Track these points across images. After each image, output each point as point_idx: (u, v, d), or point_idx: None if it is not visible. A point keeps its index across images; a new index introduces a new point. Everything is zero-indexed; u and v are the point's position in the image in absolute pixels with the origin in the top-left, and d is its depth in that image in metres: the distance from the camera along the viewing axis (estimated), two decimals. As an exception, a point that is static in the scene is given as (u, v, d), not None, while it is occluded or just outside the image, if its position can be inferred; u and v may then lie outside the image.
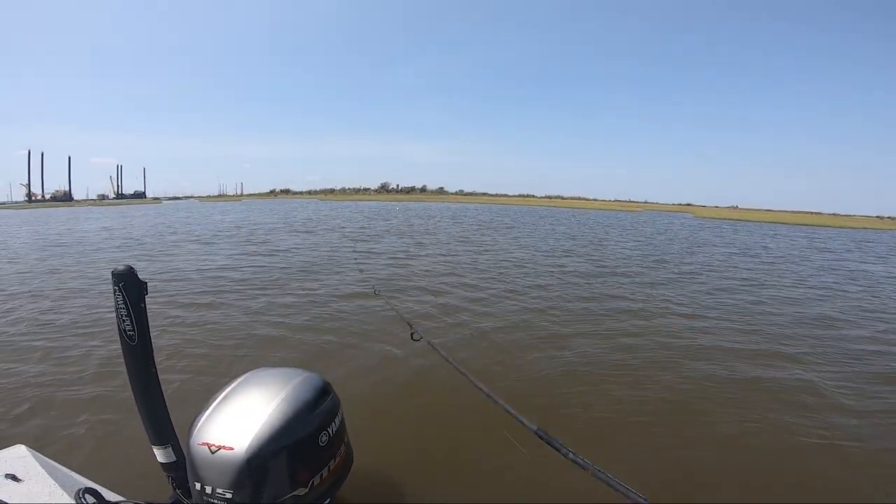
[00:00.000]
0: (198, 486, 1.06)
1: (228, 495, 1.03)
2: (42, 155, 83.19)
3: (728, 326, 4.74)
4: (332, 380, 1.39)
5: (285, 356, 3.58)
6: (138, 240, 11.92)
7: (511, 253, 10.30)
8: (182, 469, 1.17)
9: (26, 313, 4.62)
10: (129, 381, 1.32)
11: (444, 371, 2.99)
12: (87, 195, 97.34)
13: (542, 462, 1.99)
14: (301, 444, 1.13)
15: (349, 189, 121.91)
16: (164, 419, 1.36)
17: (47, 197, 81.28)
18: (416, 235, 13.88)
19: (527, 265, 8.48)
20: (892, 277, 9.15)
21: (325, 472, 1.20)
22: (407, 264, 8.19)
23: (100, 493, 1.06)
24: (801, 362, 3.76)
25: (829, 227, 34.24)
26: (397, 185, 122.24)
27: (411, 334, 2.12)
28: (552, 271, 7.87)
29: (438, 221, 21.41)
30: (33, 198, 78.32)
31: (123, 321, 1.26)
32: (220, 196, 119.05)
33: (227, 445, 1.04)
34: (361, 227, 16.62)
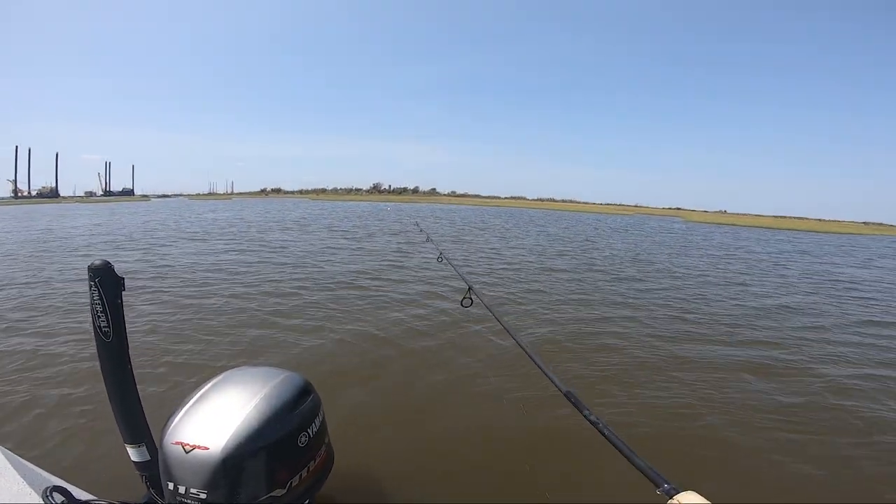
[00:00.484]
0: (171, 485, 1.03)
1: (202, 495, 1.00)
2: (29, 151, 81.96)
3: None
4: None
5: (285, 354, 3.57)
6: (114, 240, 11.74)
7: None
8: (156, 468, 1.15)
9: None
10: (103, 379, 1.29)
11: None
12: (75, 192, 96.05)
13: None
14: (280, 445, 1.10)
15: (341, 189, 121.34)
16: (138, 418, 1.33)
17: (33, 193, 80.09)
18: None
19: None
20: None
21: (304, 473, 1.18)
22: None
23: (69, 492, 1.03)
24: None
25: (814, 231, 34.88)
26: (389, 186, 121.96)
27: (462, 300, 2.12)
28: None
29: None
30: (20, 194, 77.14)
31: (99, 317, 1.22)
32: (210, 194, 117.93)
33: (201, 445, 1.01)
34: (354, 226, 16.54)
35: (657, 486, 0.78)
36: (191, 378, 2.99)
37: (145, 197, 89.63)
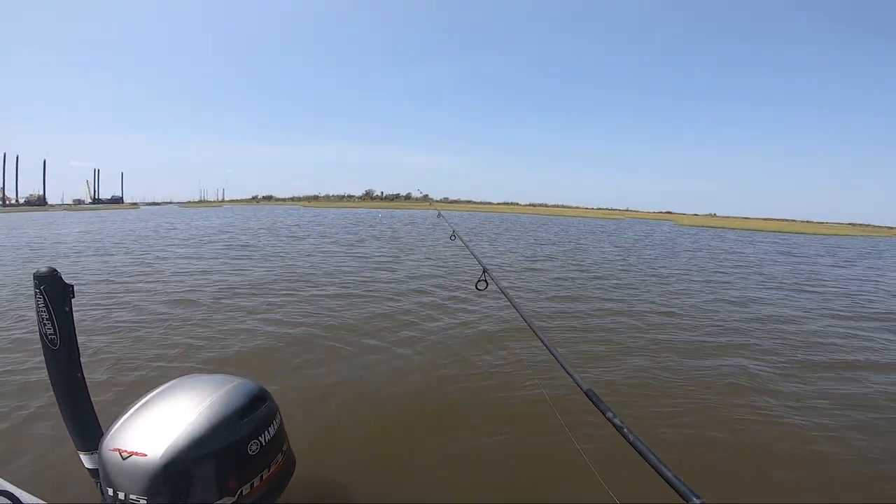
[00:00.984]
0: (111, 491, 1.03)
1: (142, 502, 0.99)
2: (17, 158, 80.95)
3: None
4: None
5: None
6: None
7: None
8: None
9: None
10: (51, 386, 1.28)
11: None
12: (63, 200, 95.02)
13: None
14: (227, 453, 1.09)
15: (333, 196, 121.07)
16: (89, 425, 1.32)
17: (21, 201, 79.18)
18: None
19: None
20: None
21: (256, 482, 1.16)
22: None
23: (15, 496, 1.02)
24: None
25: (802, 233, 35.39)
26: (381, 193, 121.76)
27: (476, 283, 2.05)
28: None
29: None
30: (7, 202, 76.23)
31: (45, 325, 1.22)
32: (200, 202, 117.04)
33: (139, 451, 1.00)
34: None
35: (686, 500, 0.73)
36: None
37: (134, 205, 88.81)
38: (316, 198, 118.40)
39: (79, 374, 1.28)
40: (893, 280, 10.23)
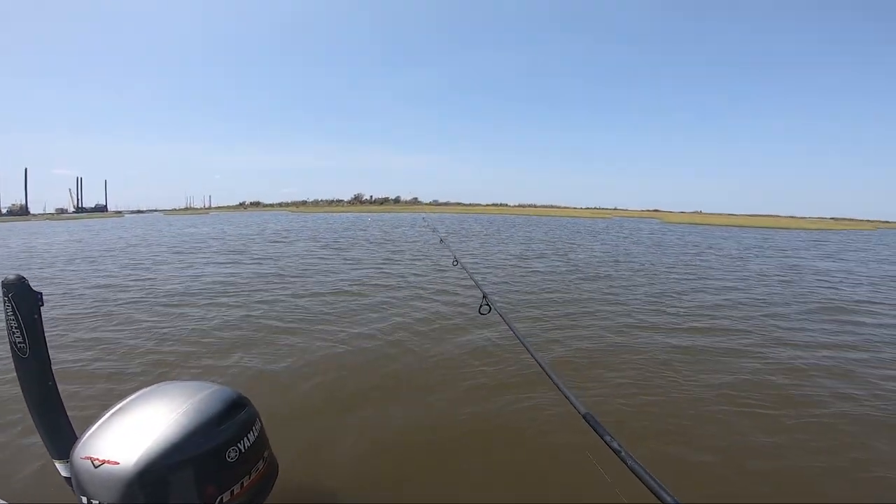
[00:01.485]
0: (84, 499, 1.00)
1: None
2: (-3, 168, 79.43)
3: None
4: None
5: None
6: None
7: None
8: None
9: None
10: (22, 395, 1.25)
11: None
12: (45, 209, 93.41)
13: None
14: (203, 460, 1.06)
15: (322, 201, 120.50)
16: (64, 433, 1.29)
17: (3, 211, 77.71)
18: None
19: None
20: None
21: (236, 489, 1.13)
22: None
23: None
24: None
25: (786, 228, 36.10)
26: (370, 196, 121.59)
27: (479, 307, 2.09)
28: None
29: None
30: (-10, 212, 74.92)
31: (13, 333, 1.19)
32: (187, 209, 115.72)
33: (112, 460, 0.97)
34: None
35: None
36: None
37: (119, 213, 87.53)
38: (305, 203, 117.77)
39: (50, 383, 1.25)
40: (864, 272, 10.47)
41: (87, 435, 1.05)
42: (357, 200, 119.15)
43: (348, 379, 3.31)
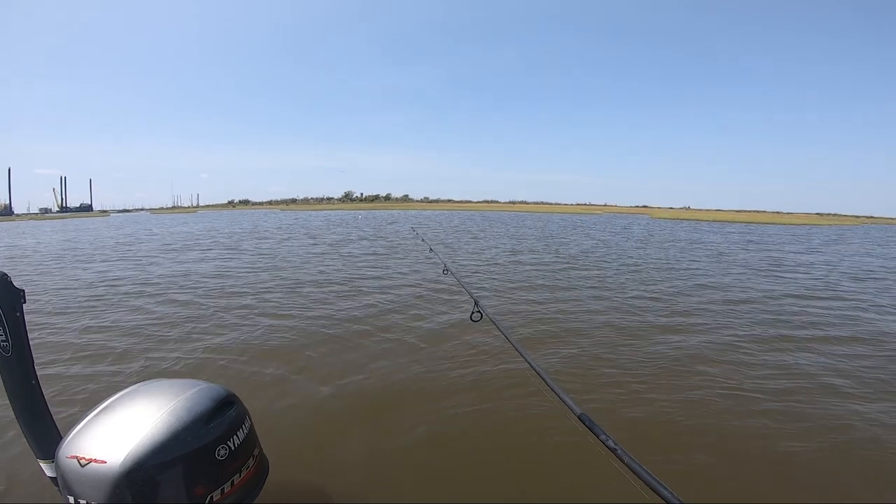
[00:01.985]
0: (71, 499, 0.98)
1: None
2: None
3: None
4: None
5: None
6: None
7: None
8: None
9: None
10: (5, 394, 1.23)
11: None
12: (29, 209, 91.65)
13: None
14: (192, 458, 1.04)
15: (312, 199, 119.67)
16: (48, 433, 1.26)
17: (-12, 211, 76.19)
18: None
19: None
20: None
21: (226, 487, 1.12)
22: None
23: None
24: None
25: (772, 224, 36.70)
26: (361, 194, 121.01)
27: (471, 314, 2.12)
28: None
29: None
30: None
31: (-5, 330, 1.16)
32: (174, 208, 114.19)
33: (98, 459, 0.95)
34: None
35: None
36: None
37: (104, 212, 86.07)
38: (294, 201, 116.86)
39: (34, 382, 1.23)
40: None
41: (72, 434, 1.04)
42: (347, 198, 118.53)
43: (343, 380, 3.29)
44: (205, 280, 7.14)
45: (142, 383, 1.21)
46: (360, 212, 49.44)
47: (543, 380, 1.29)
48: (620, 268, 8.93)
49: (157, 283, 6.86)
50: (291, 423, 2.64)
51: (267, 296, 5.91)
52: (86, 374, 3.27)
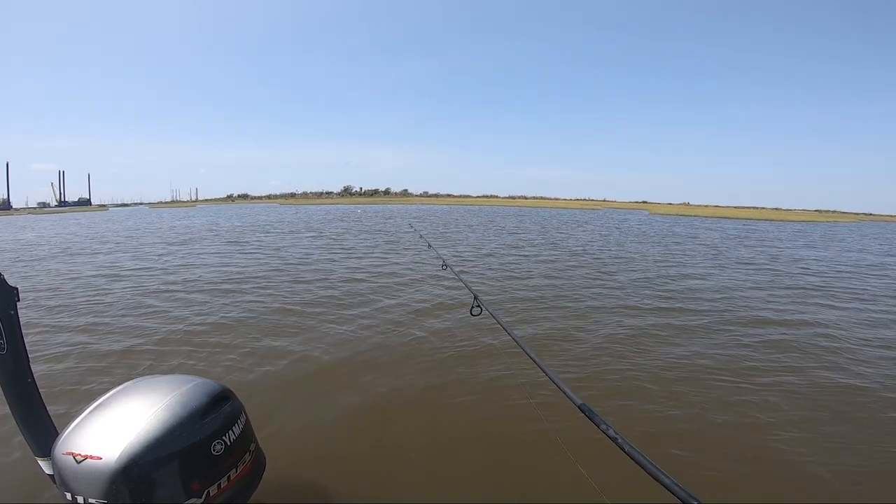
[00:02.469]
0: (69, 496, 0.98)
1: None
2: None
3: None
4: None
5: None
6: None
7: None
8: None
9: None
10: (1, 392, 1.22)
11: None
12: (27, 203, 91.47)
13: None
14: (188, 454, 1.04)
15: (311, 193, 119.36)
16: (45, 430, 1.26)
17: (-14, 206, 76.08)
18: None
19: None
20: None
21: (223, 482, 1.12)
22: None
23: None
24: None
25: (770, 220, 36.68)
26: (360, 188, 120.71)
27: (471, 308, 2.12)
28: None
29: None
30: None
31: (-12, 329, 1.15)
32: (172, 202, 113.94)
33: (94, 455, 0.95)
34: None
35: None
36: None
37: (103, 206, 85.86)
38: (293, 195, 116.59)
39: (29, 380, 1.22)
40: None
41: (68, 430, 1.03)
42: (347, 192, 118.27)
43: (343, 377, 3.29)
44: (205, 275, 7.13)
45: (137, 379, 1.20)
46: (360, 206, 49.33)
47: (544, 371, 1.30)
48: (618, 262, 8.94)
49: (165, 278, 6.85)
50: (288, 419, 2.64)
51: (266, 290, 5.92)
52: (82, 369, 3.27)
